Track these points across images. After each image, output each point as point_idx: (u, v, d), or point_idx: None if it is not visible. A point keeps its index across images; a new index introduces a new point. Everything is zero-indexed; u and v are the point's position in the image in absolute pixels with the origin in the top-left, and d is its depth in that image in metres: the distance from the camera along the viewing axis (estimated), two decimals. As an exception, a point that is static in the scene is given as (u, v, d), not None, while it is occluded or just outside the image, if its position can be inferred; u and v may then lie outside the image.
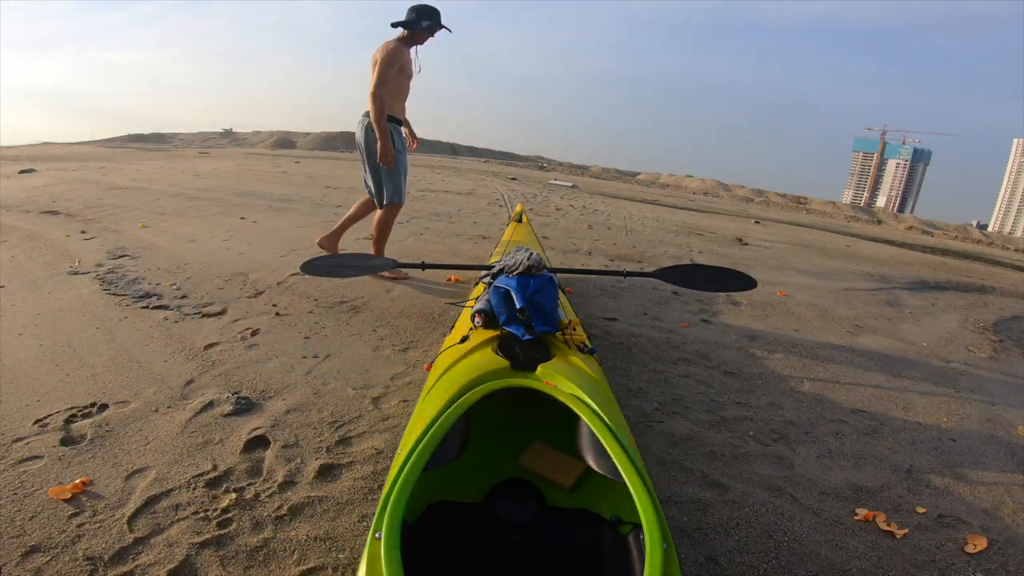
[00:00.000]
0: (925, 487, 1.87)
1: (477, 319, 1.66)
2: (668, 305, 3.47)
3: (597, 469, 1.21)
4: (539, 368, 1.37)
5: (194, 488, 1.48)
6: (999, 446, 2.21)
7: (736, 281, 2.24)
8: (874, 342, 3.33)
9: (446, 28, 3.16)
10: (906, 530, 1.63)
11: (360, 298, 2.98)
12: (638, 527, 1.02)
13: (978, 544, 1.63)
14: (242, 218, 5.11)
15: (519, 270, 1.68)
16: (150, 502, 1.43)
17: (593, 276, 3.83)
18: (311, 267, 2.19)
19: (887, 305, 4.48)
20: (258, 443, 1.68)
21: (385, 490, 0.98)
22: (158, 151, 23.58)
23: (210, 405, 1.85)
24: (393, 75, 3.00)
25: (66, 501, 1.42)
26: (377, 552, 0.84)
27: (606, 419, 1.17)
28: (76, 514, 1.38)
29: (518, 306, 1.57)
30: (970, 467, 2.03)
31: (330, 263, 2.27)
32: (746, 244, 6.48)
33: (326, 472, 1.57)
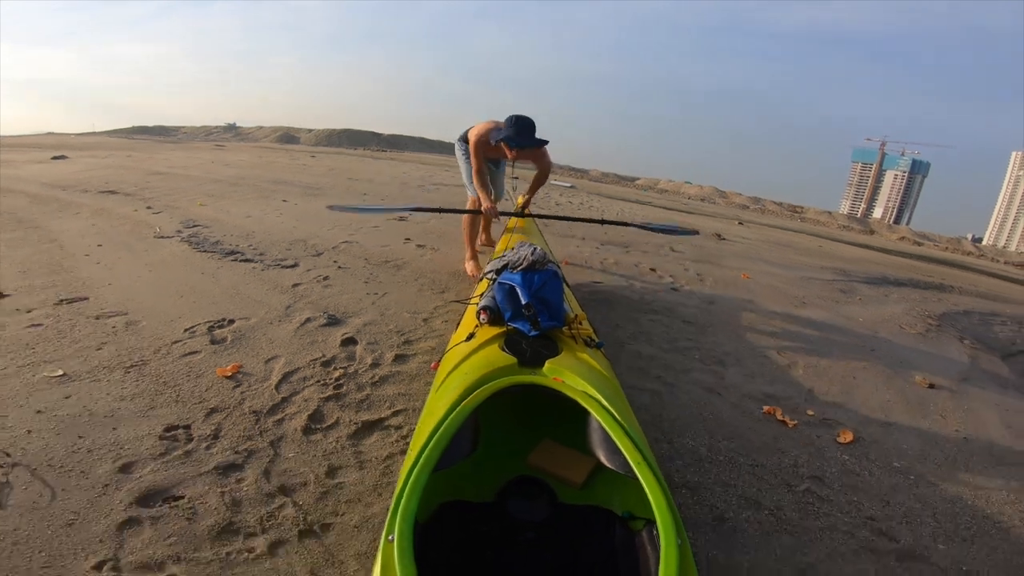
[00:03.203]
0: (819, 401, 2.50)
1: (482, 316, 1.65)
2: (644, 279, 4.19)
3: (608, 465, 1.21)
4: (546, 364, 1.38)
5: (313, 367, 2.20)
6: (893, 388, 2.75)
7: (682, 233, 3.36)
8: (814, 314, 3.90)
9: (518, 145, 2.89)
10: (796, 422, 2.26)
11: (400, 259, 3.73)
12: (651, 523, 1.03)
13: (847, 437, 2.22)
14: (284, 201, 5.84)
15: (523, 265, 1.68)
16: (286, 376, 2.12)
17: (586, 265, 4.54)
18: (336, 207, 3.38)
19: (839, 292, 4.91)
20: (349, 342, 2.42)
21: (396, 492, 0.99)
22: (173, 143, 24.29)
23: (308, 320, 2.59)
24: (479, 166, 3.11)
25: (227, 378, 2.08)
26: (391, 555, 0.85)
27: (616, 414, 1.17)
28: (237, 386, 2.03)
29: (523, 302, 1.57)
30: (862, 396, 2.61)
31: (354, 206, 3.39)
32: (724, 239, 7.18)
33: (399, 359, 2.31)
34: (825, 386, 2.71)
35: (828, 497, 1.83)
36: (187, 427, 1.78)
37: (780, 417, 2.32)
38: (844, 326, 3.76)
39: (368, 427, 1.87)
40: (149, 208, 5.16)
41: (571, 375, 1.31)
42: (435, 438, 1.08)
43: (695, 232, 3.68)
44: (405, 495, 0.95)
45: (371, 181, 8.66)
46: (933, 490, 1.96)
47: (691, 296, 3.85)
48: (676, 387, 2.43)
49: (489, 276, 1.86)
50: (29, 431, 1.70)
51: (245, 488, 1.54)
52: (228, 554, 1.33)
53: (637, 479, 1.02)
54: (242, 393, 2.01)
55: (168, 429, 1.76)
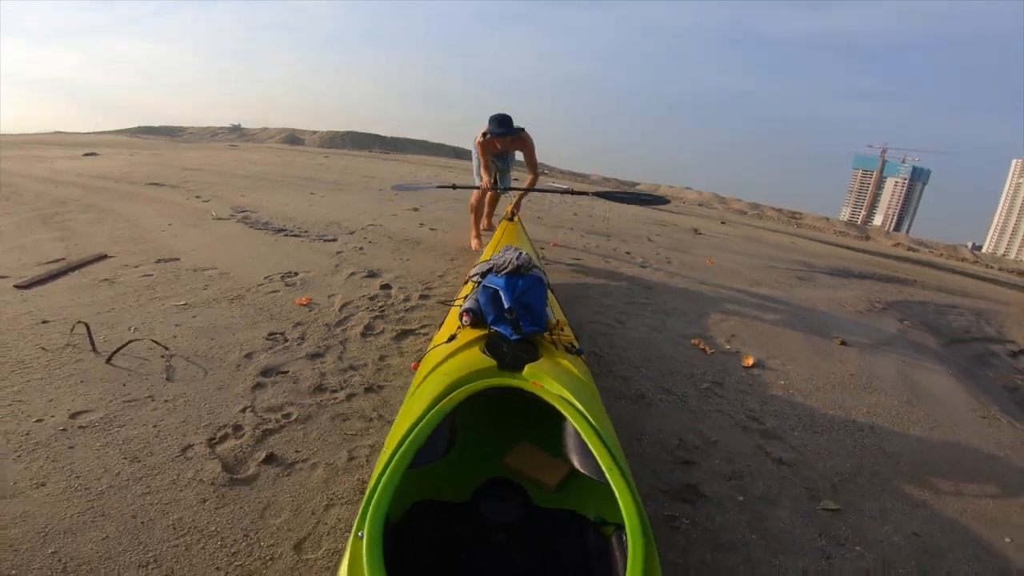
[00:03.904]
0: (738, 341, 3.25)
1: (465, 318, 1.68)
2: (619, 258, 5.01)
3: (582, 470, 1.23)
4: (526, 368, 1.40)
5: (363, 299, 3.05)
6: (807, 341, 3.31)
7: (650, 202, 4.08)
8: (764, 291, 4.46)
9: (498, 134, 3.90)
10: (714, 351, 3.03)
11: (417, 238, 4.59)
12: (621, 528, 1.04)
13: (748, 361, 2.93)
14: (312, 193, 6.70)
15: (508, 269, 1.71)
16: (345, 305, 2.97)
17: (571, 247, 5.36)
18: (398, 187, 4.27)
19: (797, 278, 5.39)
20: (386, 287, 3.27)
21: (369, 489, 0.99)
22: (185, 143, 25.19)
23: (353, 273, 3.44)
24: (486, 161, 4.08)
25: (303, 305, 2.93)
26: (359, 552, 0.85)
27: (591, 420, 1.19)
28: (312, 310, 2.89)
29: (506, 306, 1.59)
30: (776, 342, 3.32)
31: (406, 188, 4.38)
32: (700, 234, 7.98)
33: (423, 296, 3.16)
34: (747, 333, 3.47)
35: (722, 395, 2.62)
36: (282, 333, 2.62)
37: (702, 347, 3.09)
38: (788, 301, 4.30)
39: (404, 334, 2.73)
40: (198, 197, 6.00)
41: (550, 380, 1.34)
42: (411, 437, 1.10)
43: (665, 201, 4.58)
44: (378, 493, 0.96)
45: (386, 179, 9.52)
46: (804, 400, 2.68)
47: (656, 271, 4.67)
48: (627, 325, 3.25)
49: (474, 279, 1.90)
50: (175, 336, 2.53)
51: (327, 366, 2.37)
52: (321, 401, 2.14)
53: (609, 485, 1.06)
54: (315, 314, 2.86)
55: (270, 334, 2.59)
